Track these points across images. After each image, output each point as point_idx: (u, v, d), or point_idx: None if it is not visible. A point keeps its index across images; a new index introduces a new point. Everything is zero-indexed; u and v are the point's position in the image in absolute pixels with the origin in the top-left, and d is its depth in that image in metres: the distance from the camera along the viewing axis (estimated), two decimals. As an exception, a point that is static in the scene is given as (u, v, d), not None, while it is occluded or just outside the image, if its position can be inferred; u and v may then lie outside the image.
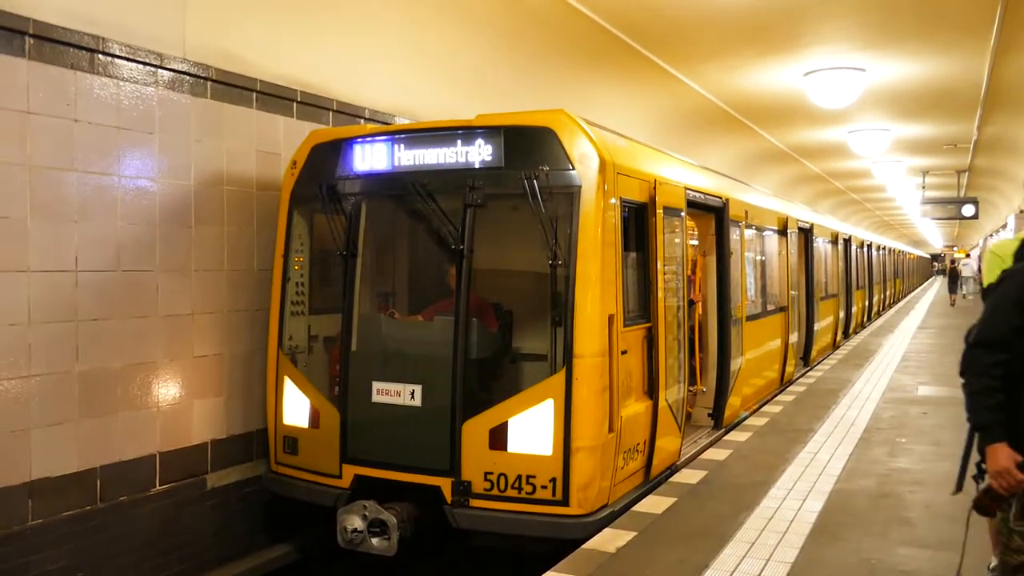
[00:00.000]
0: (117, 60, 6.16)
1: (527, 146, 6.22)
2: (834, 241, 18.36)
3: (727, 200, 9.22)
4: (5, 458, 5.49)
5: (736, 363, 9.31)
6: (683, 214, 7.73)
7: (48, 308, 5.72)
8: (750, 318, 10.26)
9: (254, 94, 7.36)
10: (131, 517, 6.31)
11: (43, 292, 5.68)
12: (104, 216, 6.11)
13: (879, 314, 29.09)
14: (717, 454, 7.86)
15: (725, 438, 8.60)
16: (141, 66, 6.35)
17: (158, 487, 6.55)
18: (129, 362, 6.31)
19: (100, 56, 6.04)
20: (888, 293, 33.93)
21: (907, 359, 15.39)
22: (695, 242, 9.34)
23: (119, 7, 6.16)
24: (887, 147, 19.30)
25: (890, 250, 36.37)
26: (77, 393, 5.94)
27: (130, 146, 6.30)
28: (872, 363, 14.77)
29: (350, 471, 6.53)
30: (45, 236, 5.70)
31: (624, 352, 6.31)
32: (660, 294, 6.92)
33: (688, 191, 7.89)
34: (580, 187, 6.02)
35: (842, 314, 19.19)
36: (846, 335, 19.94)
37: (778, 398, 11.12)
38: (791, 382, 12.62)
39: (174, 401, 6.69)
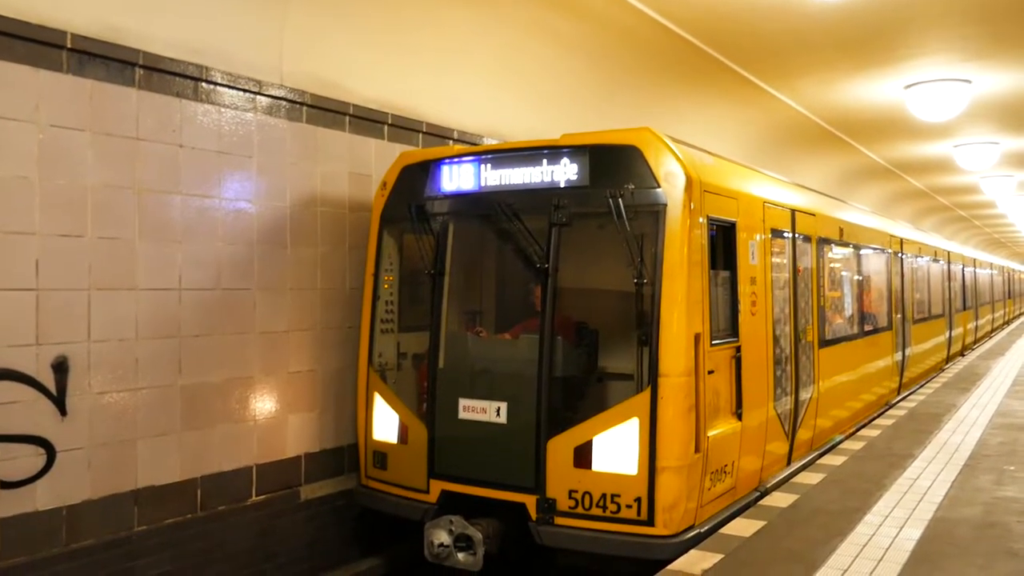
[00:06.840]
0: (219, 88, 6.48)
1: (612, 165, 6.23)
2: (935, 259, 17.64)
3: (816, 215, 8.98)
4: (114, 466, 5.79)
5: (807, 391, 8.75)
6: (786, 234, 7.58)
7: (153, 324, 6.02)
8: (835, 340, 9.80)
9: (347, 118, 7.60)
10: (228, 526, 6.55)
11: (149, 309, 5.99)
12: (206, 236, 6.41)
13: (988, 336, 27.71)
14: (810, 478, 7.63)
15: (819, 462, 8.34)
16: (241, 93, 6.65)
17: (254, 498, 6.79)
18: (228, 377, 6.58)
19: (203, 84, 6.36)
20: (998, 314, 32.31)
21: (1019, 383, 14.60)
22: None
23: (221, 37, 6.46)
24: (996, 161, 18.48)
25: (1000, 269, 34.67)
26: (179, 406, 6.22)
27: (230, 170, 6.60)
28: (979, 387, 14.08)
29: (437, 486, 6.63)
30: (151, 256, 6.01)
31: (711, 372, 6.23)
32: (750, 312, 6.79)
33: (776, 207, 7.73)
34: (666, 205, 5.99)
35: (944, 336, 18.38)
36: (948, 358, 19.08)
37: (876, 422, 10.71)
38: (890, 406, 12.15)
39: (270, 415, 6.93)
